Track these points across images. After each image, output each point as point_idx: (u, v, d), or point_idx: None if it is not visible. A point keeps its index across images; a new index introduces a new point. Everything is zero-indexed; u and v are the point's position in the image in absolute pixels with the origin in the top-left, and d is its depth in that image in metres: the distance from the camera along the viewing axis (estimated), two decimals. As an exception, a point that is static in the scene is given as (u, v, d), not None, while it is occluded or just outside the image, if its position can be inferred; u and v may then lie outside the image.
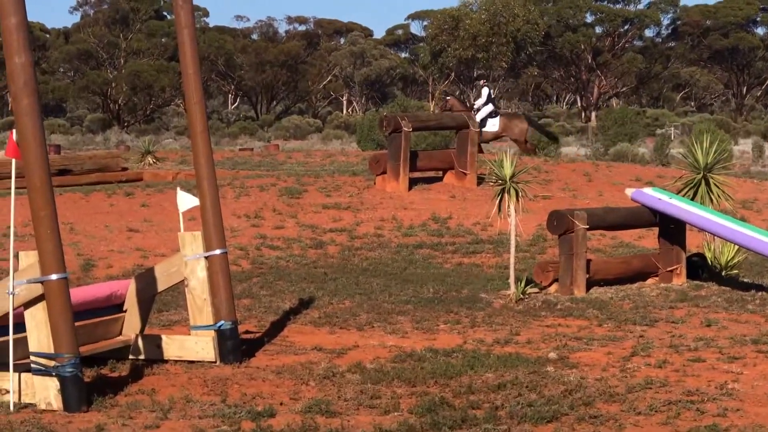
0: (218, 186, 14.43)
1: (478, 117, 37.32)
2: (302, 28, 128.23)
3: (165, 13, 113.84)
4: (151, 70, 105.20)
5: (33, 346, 11.22)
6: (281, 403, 11.35)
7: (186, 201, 13.94)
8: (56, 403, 11.04)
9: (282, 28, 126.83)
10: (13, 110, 11.33)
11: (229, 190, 28.10)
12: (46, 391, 11.11)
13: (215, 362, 13.37)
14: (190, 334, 13.70)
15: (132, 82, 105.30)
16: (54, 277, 11.07)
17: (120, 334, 13.72)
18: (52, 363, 11.08)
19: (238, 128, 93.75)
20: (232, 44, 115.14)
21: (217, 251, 13.78)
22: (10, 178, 11.73)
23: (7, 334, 11.26)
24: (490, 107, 39.32)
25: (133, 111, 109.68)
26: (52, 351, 11.10)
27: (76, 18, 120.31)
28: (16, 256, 11.31)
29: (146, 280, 13.95)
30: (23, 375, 11.20)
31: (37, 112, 11.13)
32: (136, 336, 13.69)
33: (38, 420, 10.58)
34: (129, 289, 13.89)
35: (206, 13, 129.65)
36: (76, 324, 11.49)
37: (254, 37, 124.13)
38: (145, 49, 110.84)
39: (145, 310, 13.97)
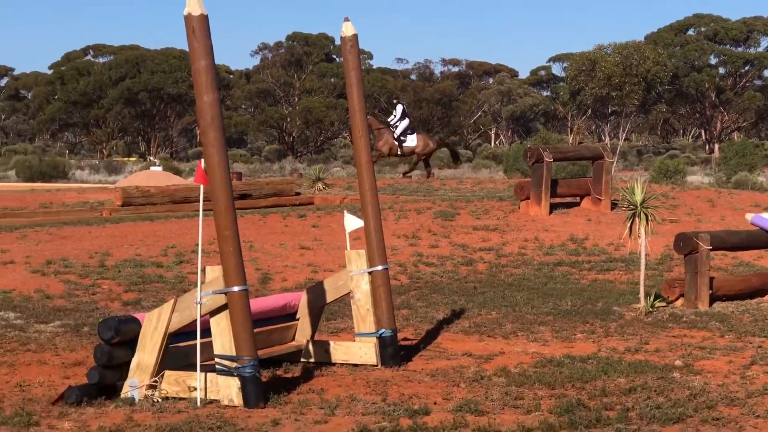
0: (380, 209, 14.49)
1: (398, 132, 37.98)
2: (455, 69, 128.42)
3: (334, 57, 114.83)
4: (321, 107, 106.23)
5: (217, 350, 11.37)
6: (435, 403, 11.34)
7: (352, 222, 14.02)
8: (237, 399, 11.16)
9: (437, 69, 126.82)
10: (201, 142, 11.50)
11: (390, 213, 28.18)
12: (228, 389, 11.23)
13: (377, 365, 13.41)
14: (354, 341, 13.75)
15: (305, 117, 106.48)
16: (236, 288, 11.20)
17: (293, 339, 13.83)
18: (234, 364, 11.21)
19: (398, 158, 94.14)
20: (393, 84, 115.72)
21: (379, 267, 13.84)
22: (198, 201, 11.90)
23: (195, 339, 11.41)
24: (406, 122, 39.76)
25: (305, 142, 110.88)
26: (234, 354, 11.22)
27: (257, 61, 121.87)
28: (203, 270, 11.47)
29: (316, 293, 14.05)
30: (209, 375, 11.34)
31: (222, 144, 11.28)
32: (307, 341, 13.78)
33: (221, 414, 10.71)
34: (301, 300, 14.00)
35: (370, 56, 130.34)
36: (255, 330, 11.61)
37: (413, 77, 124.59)
38: (317, 88, 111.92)
39: (316, 318, 14.06)
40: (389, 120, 41.17)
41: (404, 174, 41.78)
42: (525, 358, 13.94)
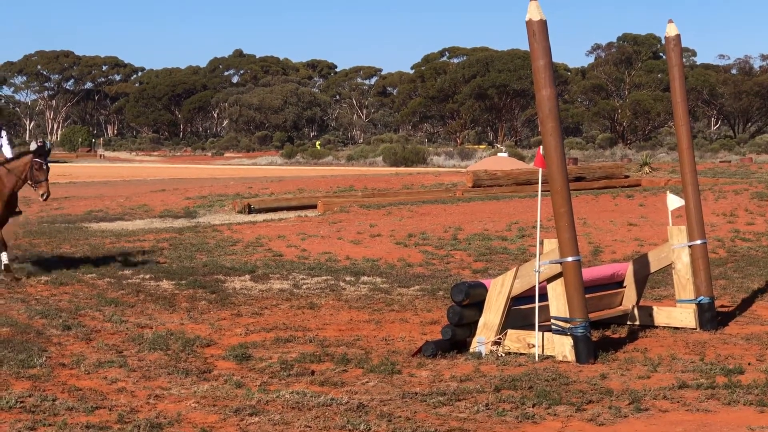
0: (700, 190, 14.20)
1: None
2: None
3: (661, 54, 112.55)
4: (648, 99, 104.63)
5: (553, 312, 11.43)
6: (749, 363, 11.03)
7: (674, 202, 13.80)
8: (570, 356, 11.19)
9: (756, 64, 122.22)
10: (540, 131, 11.56)
11: (709, 194, 27.52)
12: (562, 347, 11.27)
13: (695, 329, 13.17)
14: (675, 306, 13.55)
15: (633, 108, 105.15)
16: (570, 259, 11.22)
17: (620, 304, 13.72)
18: (568, 325, 11.24)
19: (719, 145, 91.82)
20: (715, 78, 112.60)
21: (698, 242, 13.58)
22: (537, 183, 11.98)
23: (534, 302, 11.50)
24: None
25: (634, 131, 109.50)
26: (568, 316, 11.26)
27: (591, 59, 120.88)
28: (541, 243, 11.54)
29: (641, 263, 13.90)
30: (546, 333, 11.40)
31: (558, 133, 11.31)
32: (633, 306, 13.66)
33: (556, 368, 10.76)
34: (628, 270, 13.88)
35: (694, 53, 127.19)
36: (587, 296, 11.60)
37: (733, 71, 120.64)
38: (645, 83, 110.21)
39: (640, 286, 13.91)
40: None
41: None
42: (835, 326, 13.36)
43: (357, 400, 9.20)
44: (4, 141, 17.40)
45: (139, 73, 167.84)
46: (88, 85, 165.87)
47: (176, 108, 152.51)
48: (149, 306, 14.30)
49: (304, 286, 16.29)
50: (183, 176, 59.72)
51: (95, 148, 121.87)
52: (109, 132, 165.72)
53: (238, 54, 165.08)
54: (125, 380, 9.98)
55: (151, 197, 34.30)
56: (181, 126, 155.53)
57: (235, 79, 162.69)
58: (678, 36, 13.84)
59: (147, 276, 16.84)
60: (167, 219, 28.61)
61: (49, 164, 16.87)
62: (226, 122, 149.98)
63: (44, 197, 16.81)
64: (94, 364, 10.61)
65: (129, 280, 16.37)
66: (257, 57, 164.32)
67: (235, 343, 11.85)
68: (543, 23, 11.25)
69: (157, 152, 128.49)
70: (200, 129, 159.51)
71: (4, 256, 16.63)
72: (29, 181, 16.83)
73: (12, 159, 17.03)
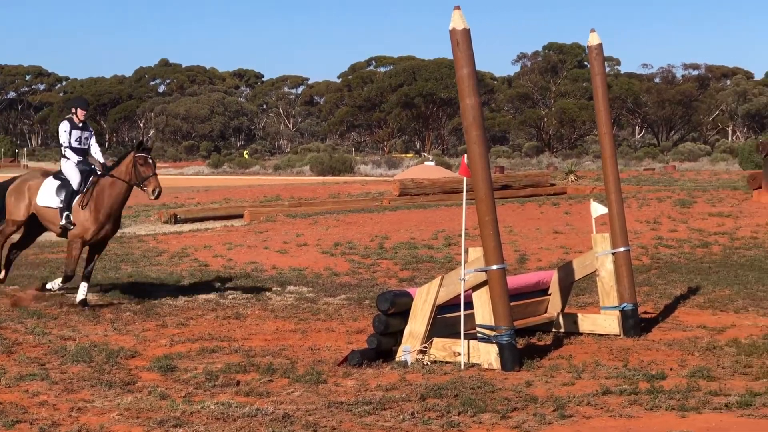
0: (624, 198, 14.34)
1: None
2: (695, 72, 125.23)
3: (586, 63, 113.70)
4: (574, 108, 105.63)
5: (478, 320, 11.45)
6: (671, 369, 11.15)
7: (598, 209, 13.92)
8: (496, 363, 11.23)
9: (679, 73, 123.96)
10: (465, 140, 11.59)
11: (633, 202, 27.80)
12: (488, 355, 11.31)
13: (619, 335, 13.29)
14: (600, 313, 13.66)
15: (560, 117, 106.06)
16: (494, 267, 11.26)
17: (545, 312, 13.81)
18: (493, 333, 11.27)
19: (643, 153, 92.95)
20: (639, 86, 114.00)
21: (622, 249, 13.71)
22: (462, 192, 12.01)
23: (460, 311, 11.53)
24: None
25: (560, 139, 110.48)
26: (493, 324, 11.29)
27: (517, 68, 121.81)
28: (467, 251, 11.58)
29: (566, 271, 14.00)
30: (471, 342, 11.42)
31: (482, 141, 11.35)
32: (558, 314, 13.75)
33: (482, 376, 10.80)
34: (553, 278, 13.98)
35: (618, 62, 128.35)
36: (512, 303, 11.64)
37: (656, 80, 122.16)
38: (570, 92, 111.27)
39: (565, 294, 14.02)
40: None
41: None
42: (755, 331, 13.56)
43: (282, 410, 9.16)
44: (94, 144, 15.78)
45: (64, 83, 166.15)
46: (11, 94, 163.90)
47: (102, 118, 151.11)
48: (73, 318, 14.13)
49: (230, 296, 16.20)
50: (108, 186, 59.07)
51: (19, 159, 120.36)
52: (33, 142, 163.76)
53: (164, 63, 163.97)
54: (47, 393, 9.84)
55: (75, 208, 33.92)
56: (107, 136, 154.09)
57: (161, 89, 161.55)
58: (600, 45, 13.97)
59: (70, 287, 16.64)
60: (92, 230, 28.31)
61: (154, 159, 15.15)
62: (152, 132, 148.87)
63: (156, 194, 14.85)
64: (15, 378, 10.46)
65: (52, 292, 16.15)
66: (183, 66, 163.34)
67: (159, 354, 11.75)
68: (466, 32, 11.29)
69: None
70: (126, 139, 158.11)
71: (84, 288, 15.10)
72: (134, 181, 15.03)
73: (114, 165, 15.33)
